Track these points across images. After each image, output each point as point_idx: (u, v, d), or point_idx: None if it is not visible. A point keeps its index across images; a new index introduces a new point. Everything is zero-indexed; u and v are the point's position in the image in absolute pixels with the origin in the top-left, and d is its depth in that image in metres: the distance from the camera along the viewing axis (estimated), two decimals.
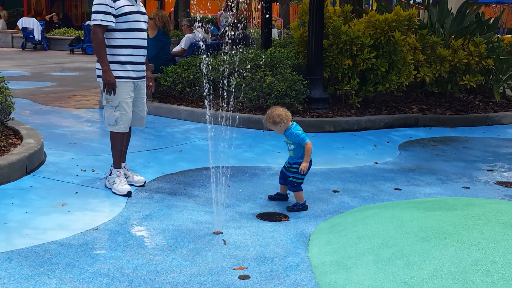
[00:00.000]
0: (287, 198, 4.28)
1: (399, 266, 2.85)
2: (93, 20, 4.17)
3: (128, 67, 4.29)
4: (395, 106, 8.09)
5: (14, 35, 21.94)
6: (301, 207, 4.10)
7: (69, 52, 19.44)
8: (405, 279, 2.73)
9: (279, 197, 4.30)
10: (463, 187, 4.83)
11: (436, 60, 7.94)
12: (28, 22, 20.44)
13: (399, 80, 7.61)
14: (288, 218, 3.93)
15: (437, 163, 5.69)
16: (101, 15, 4.16)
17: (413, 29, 7.91)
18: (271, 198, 4.33)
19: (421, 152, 6.19)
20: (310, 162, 4.11)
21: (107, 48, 4.24)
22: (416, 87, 8.50)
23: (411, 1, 9.43)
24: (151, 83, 4.62)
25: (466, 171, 5.38)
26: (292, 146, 4.09)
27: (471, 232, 3.10)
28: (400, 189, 4.70)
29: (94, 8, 4.20)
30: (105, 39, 4.24)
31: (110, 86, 4.19)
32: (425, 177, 5.11)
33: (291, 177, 4.12)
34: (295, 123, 4.13)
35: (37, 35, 20.28)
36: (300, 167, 4.04)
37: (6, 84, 5.24)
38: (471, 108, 8.34)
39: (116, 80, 4.22)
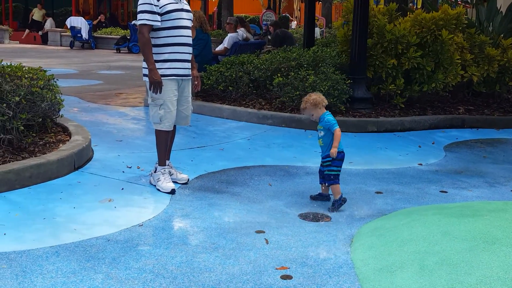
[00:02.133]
0: (329, 198, 4.25)
1: (445, 271, 2.79)
2: (139, 19, 4.24)
3: (173, 64, 4.34)
4: (441, 106, 7.93)
5: (62, 34, 22.56)
6: (340, 201, 4.06)
7: (115, 51, 19.85)
8: (451, 285, 2.67)
9: (321, 198, 4.28)
10: (511, 190, 4.70)
11: (484, 59, 7.74)
12: (76, 21, 20.98)
13: (445, 79, 7.45)
14: (331, 219, 3.90)
15: (484, 165, 5.55)
16: (147, 14, 4.22)
17: (460, 28, 7.73)
18: (313, 198, 4.30)
19: (468, 154, 6.04)
20: (343, 153, 4.09)
21: (153, 47, 4.30)
22: (463, 87, 8.30)
23: (458, 0, 9.21)
24: (196, 82, 4.66)
25: None
26: (322, 133, 4.08)
27: None
28: (446, 192, 4.60)
29: (139, 8, 4.27)
30: (151, 39, 4.30)
31: (156, 85, 4.25)
32: (472, 180, 4.99)
33: (326, 171, 4.10)
34: (328, 111, 4.18)
35: (85, 34, 20.81)
36: (330, 152, 4.02)
37: (55, 81, 5.38)
38: None
39: (148, 77, 4.28)
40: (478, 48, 7.84)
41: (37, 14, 23.83)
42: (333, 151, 4.01)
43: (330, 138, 4.05)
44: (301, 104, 4.15)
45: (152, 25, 4.24)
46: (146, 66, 4.32)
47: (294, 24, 28.00)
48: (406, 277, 2.82)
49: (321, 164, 4.20)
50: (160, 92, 4.28)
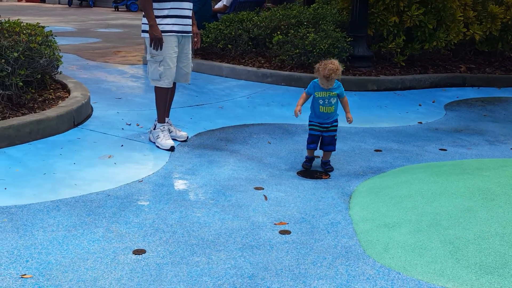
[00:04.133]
0: (318, 156, 4.21)
1: (443, 226, 2.82)
2: None
3: (172, 20, 4.27)
4: (442, 65, 7.86)
5: None
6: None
7: (113, 9, 19.60)
8: (450, 239, 2.70)
9: (311, 162, 4.13)
10: (511, 148, 4.70)
11: (487, 17, 7.63)
12: None
13: (447, 38, 7.37)
14: (329, 177, 3.91)
15: (484, 123, 5.54)
16: None
17: None
18: (307, 167, 4.07)
19: (468, 112, 6.03)
20: None
21: (153, 2, 4.23)
22: (465, 45, 8.21)
23: None
24: (196, 39, 4.60)
25: None
26: (334, 100, 3.96)
27: None
28: (445, 150, 4.61)
29: None
30: None
31: (156, 41, 4.20)
32: (472, 138, 4.99)
33: (336, 136, 4.05)
34: None
35: None
36: (350, 118, 3.98)
37: (53, 38, 5.31)
38: None
39: (148, 33, 4.23)
40: (481, 5, 7.72)
41: None
42: (351, 116, 3.99)
43: (338, 103, 4.00)
44: (326, 72, 3.80)
45: None
46: (146, 22, 4.26)
47: None
48: (403, 233, 2.85)
49: (322, 130, 3.99)
50: (161, 49, 4.23)
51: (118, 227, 2.94)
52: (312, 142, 4.01)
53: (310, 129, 4.02)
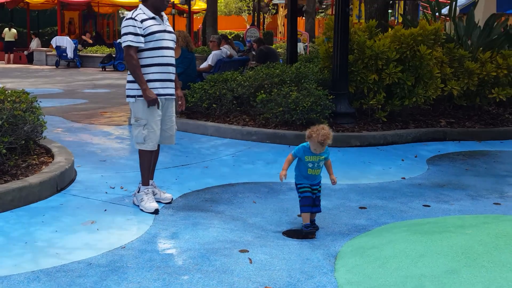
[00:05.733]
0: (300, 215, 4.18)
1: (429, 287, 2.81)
2: (124, 41, 4.26)
3: (156, 84, 4.36)
4: (423, 119, 8.01)
5: (48, 53, 22.51)
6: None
7: (101, 69, 19.84)
8: None
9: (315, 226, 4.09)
10: (494, 203, 4.74)
11: (463, 73, 7.85)
12: (62, 41, 20.97)
13: (426, 94, 7.54)
14: (314, 236, 3.91)
15: (467, 178, 5.61)
16: (131, 36, 4.24)
17: (439, 43, 7.85)
18: (312, 232, 3.96)
19: (450, 166, 6.10)
20: None
21: None
22: (444, 100, 8.40)
23: (436, 14, 9.33)
24: (180, 102, 4.67)
25: (497, 187, 5.28)
26: (322, 163, 4.00)
27: (502, 252, 3.04)
28: (429, 206, 4.64)
29: (123, 30, 4.30)
30: None
31: (153, 102, 4.28)
32: (454, 193, 5.03)
33: (320, 196, 4.08)
34: None
35: (70, 53, 20.79)
36: (334, 180, 4.04)
37: (38, 104, 5.36)
38: (501, 121, 8.19)
39: (143, 98, 4.30)
40: (458, 62, 7.94)
41: (8, 34, 23.47)
42: (335, 178, 4.05)
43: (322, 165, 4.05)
44: (320, 138, 3.82)
45: (138, 47, 4.27)
46: (131, 87, 4.35)
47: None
48: None
49: (313, 191, 4.00)
50: (158, 107, 4.30)
51: None
52: (308, 204, 3.97)
53: (303, 192, 3.99)
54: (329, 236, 3.90)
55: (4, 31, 23.50)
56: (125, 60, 4.33)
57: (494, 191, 5.12)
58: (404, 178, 5.58)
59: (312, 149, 3.91)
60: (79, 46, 22.30)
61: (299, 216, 4.16)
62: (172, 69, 4.50)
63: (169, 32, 4.49)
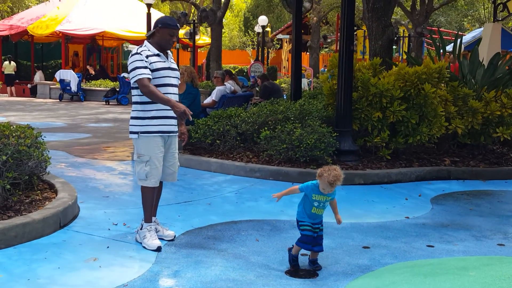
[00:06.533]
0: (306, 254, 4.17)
1: None
2: (136, 75, 4.27)
3: (159, 121, 4.40)
4: (427, 158, 8.01)
5: (51, 86, 22.75)
6: None
7: (104, 103, 20.01)
8: None
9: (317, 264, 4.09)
10: (498, 244, 4.71)
11: (468, 112, 7.89)
12: (66, 74, 21.21)
13: (430, 132, 7.57)
14: (317, 276, 3.88)
15: (471, 218, 5.58)
16: (140, 69, 4.28)
17: (443, 81, 7.92)
18: (314, 273, 3.98)
19: (454, 206, 6.08)
20: None
21: (139, 104, 4.37)
22: (448, 138, 8.42)
23: (441, 51, 9.42)
24: (183, 137, 4.70)
25: (501, 227, 5.25)
26: (327, 203, 4.00)
27: None
28: (432, 246, 4.60)
29: (132, 65, 4.33)
30: (138, 96, 4.37)
31: (183, 114, 4.23)
32: (458, 234, 5.00)
33: (322, 235, 4.07)
34: None
35: (74, 87, 20.99)
36: (339, 220, 4.03)
37: (43, 139, 5.40)
38: (505, 160, 8.18)
39: (146, 134, 4.33)
40: (462, 100, 8.00)
41: (8, 67, 23.67)
42: (340, 217, 4.05)
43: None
44: (331, 178, 3.83)
45: (151, 78, 4.31)
46: (134, 123, 4.39)
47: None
48: None
49: (314, 230, 4.00)
50: (189, 119, 4.30)
51: None
52: (307, 242, 3.96)
53: (304, 230, 3.98)
54: (332, 276, 3.87)
55: (4, 64, 23.72)
56: (142, 92, 4.30)
57: (498, 232, 5.08)
58: (407, 217, 5.55)
59: (321, 188, 3.91)
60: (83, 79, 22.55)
61: (289, 249, 4.10)
62: None
63: (173, 69, 4.55)
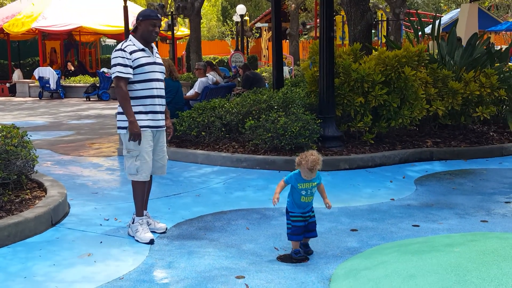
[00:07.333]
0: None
1: None
2: (116, 72, 4.34)
3: (147, 116, 4.45)
4: (409, 140, 8.16)
5: (30, 85, 22.48)
6: None
7: (85, 99, 19.86)
8: None
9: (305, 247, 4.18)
10: (481, 220, 4.86)
11: (448, 93, 8.03)
12: (44, 72, 20.97)
13: (411, 115, 7.70)
14: (308, 260, 3.98)
15: (454, 197, 5.72)
16: (120, 67, 4.33)
17: (423, 64, 8.04)
18: (303, 260, 4.01)
19: (438, 186, 6.22)
20: None
21: None
22: (429, 120, 8.57)
23: (419, 33, 9.53)
24: (169, 131, 4.76)
25: (483, 204, 5.41)
26: (314, 189, 4.07)
27: (490, 268, 3.14)
28: (418, 226, 4.73)
29: (113, 61, 4.39)
30: None
31: (136, 137, 4.34)
32: (442, 212, 5.14)
33: (315, 220, 4.14)
34: None
35: (53, 84, 20.76)
36: (328, 204, 4.10)
37: (29, 138, 5.41)
38: (485, 139, 8.37)
39: (127, 129, 4.38)
40: (442, 82, 8.13)
41: None
42: (329, 202, 4.11)
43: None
44: (310, 164, 3.89)
45: (128, 78, 4.35)
46: (122, 119, 4.43)
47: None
48: None
49: (306, 219, 4.07)
50: (139, 144, 4.36)
51: None
52: (298, 233, 4.03)
53: (294, 221, 4.04)
54: (322, 259, 3.97)
55: None
56: (115, 91, 4.42)
57: (481, 209, 5.23)
58: (393, 199, 5.68)
59: (303, 175, 3.98)
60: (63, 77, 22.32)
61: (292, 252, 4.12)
62: (163, 101, 4.59)
63: (159, 64, 4.59)
